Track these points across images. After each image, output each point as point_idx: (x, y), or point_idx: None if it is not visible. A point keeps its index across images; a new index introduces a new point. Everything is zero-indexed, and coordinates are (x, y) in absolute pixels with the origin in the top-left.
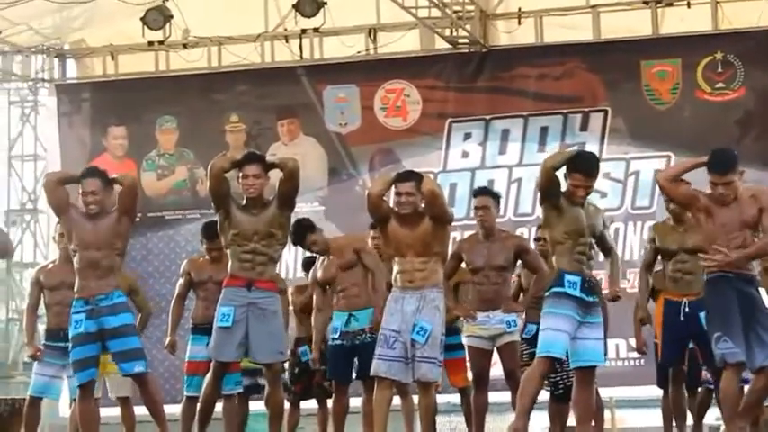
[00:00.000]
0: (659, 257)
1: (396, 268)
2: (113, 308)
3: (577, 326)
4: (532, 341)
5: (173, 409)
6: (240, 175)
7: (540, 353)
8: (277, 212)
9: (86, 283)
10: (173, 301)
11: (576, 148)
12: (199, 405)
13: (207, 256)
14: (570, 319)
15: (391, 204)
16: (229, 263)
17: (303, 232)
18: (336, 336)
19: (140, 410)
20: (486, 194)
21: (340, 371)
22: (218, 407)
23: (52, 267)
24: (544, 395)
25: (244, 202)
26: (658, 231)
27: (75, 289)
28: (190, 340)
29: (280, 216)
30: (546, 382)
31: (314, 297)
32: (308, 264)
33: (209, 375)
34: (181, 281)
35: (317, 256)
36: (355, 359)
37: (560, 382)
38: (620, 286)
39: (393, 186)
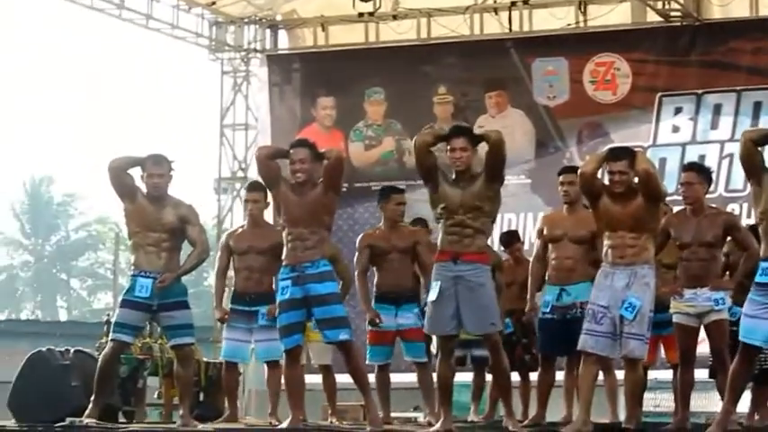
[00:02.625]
0: None
1: (606, 243)
2: (320, 276)
3: None
4: (737, 323)
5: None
6: (448, 148)
7: (741, 338)
8: (484, 185)
9: (294, 252)
10: (356, 275)
11: None
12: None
13: (382, 226)
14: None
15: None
16: (439, 237)
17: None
18: (548, 310)
19: (342, 378)
20: (690, 170)
21: (551, 345)
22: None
23: (241, 232)
24: None
25: (453, 175)
26: None
27: (283, 256)
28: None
29: (487, 189)
30: None
31: (536, 247)
32: (507, 241)
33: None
34: (360, 256)
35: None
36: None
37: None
38: None
39: (606, 164)
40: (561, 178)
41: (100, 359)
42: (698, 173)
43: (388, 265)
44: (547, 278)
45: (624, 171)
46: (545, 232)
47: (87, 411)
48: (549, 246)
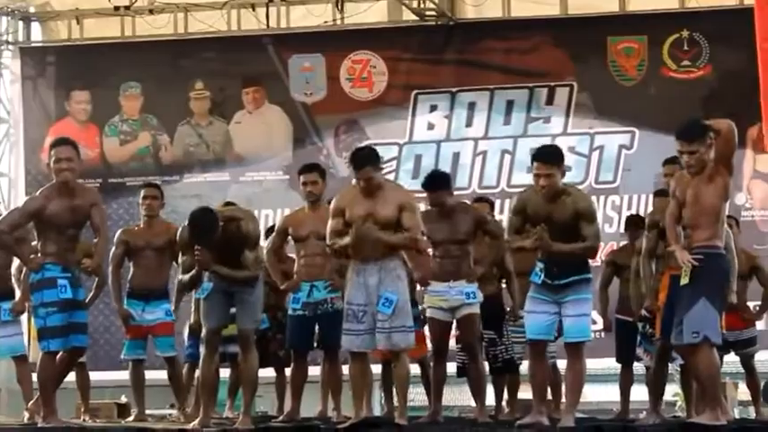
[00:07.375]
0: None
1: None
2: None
3: (555, 306)
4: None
5: (115, 376)
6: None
7: (527, 335)
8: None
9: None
10: (110, 270)
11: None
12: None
13: (141, 224)
14: (540, 302)
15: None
16: None
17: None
18: (298, 306)
19: (95, 376)
20: (428, 190)
21: (300, 340)
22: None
23: None
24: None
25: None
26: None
27: (58, 256)
28: (126, 305)
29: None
30: (485, 356)
31: (271, 241)
32: None
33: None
34: (116, 251)
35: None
36: (316, 328)
37: (499, 355)
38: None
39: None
40: (303, 178)
41: None
42: (437, 188)
43: (139, 261)
44: (295, 275)
45: (369, 177)
46: (290, 232)
47: None
48: (296, 244)
